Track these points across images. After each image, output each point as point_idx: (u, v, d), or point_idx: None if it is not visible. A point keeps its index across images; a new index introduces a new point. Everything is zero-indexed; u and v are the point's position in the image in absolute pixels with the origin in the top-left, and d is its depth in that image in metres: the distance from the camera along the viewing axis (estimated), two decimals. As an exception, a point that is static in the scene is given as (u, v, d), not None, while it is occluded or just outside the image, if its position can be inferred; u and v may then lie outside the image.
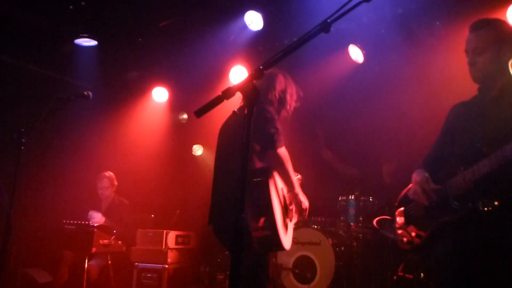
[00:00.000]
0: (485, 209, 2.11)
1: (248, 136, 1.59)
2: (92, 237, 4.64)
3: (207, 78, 6.01)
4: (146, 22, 5.55)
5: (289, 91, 3.26)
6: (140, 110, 6.81)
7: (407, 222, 2.60)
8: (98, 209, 5.45)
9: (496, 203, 2.10)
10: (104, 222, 5.09)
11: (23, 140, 3.12)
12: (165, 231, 5.31)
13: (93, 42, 5.79)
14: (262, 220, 2.72)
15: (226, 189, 2.94)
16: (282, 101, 3.18)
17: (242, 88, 1.60)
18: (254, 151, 2.93)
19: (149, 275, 5.17)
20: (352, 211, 5.06)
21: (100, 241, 4.73)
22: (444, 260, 2.29)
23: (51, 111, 3.31)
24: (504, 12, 4.36)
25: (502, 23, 2.43)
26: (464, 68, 2.46)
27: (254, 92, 1.59)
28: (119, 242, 5.01)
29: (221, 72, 6.01)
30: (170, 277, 5.21)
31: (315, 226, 4.97)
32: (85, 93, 3.49)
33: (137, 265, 5.23)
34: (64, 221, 4.78)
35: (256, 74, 1.60)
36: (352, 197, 5.09)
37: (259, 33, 5.44)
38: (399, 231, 2.64)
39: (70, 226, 4.73)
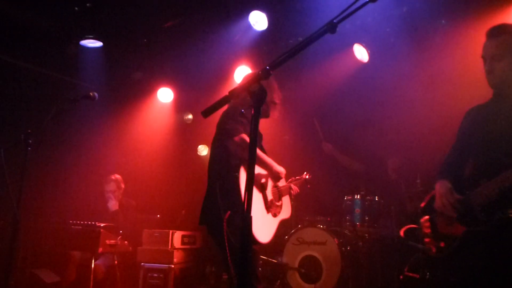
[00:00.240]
0: None
1: (255, 135, 1.59)
2: (98, 237, 4.66)
3: (212, 79, 6.02)
4: (151, 23, 5.57)
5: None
6: (145, 111, 6.83)
7: (434, 231, 2.60)
8: (104, 209, 5.48)
9: None
10: (113, 218, 5.12)
11: (30, 141, 3.14)
12: (171, 231, 5.32)
13: (98, 44, 5.82)
14: (228, 213, 2.89)
15: (208, 188, 3.10)
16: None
17: (248, 88, 1.60)
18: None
19: (155, 275, 5.18)
20: (357, 210, 5.05)
21: (107, 241, 4.75)
22: (479, 268, 2.30)
23: (58, 112, 3.33)
24: (510, 11, 4.34)
25: None
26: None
27: (261, 92, 1.59)
28: (126, 242, 5.03)
29: (226, 72, 6.02)
30: (176, 277, 5.22)
31: (321, 226, 4.97)
32: (91, 94, 3.50)
33: (143, 265, 5.24)
34: (70, 221, 4.80)
35: (263, 74, 1.61)
36: (358, 197, 5.08)
37: (263, 33, 5.45)
38: (427, 240, 2.63)
39: (76, 226, 4.75)
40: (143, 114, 6.81)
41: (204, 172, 3.31)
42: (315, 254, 4.74)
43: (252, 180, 1.57)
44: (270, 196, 3.18)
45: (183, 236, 5.49)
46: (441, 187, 2.45)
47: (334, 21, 1.66)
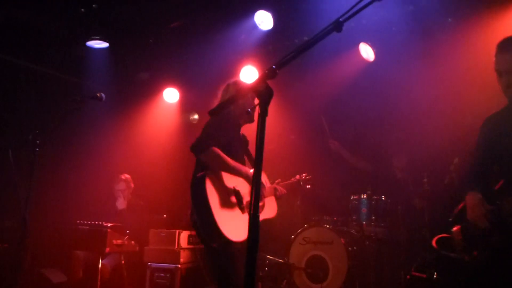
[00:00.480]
0: None
1: (262, 136, 1.59)
2: (105, 237, 4.68)
3: (217, 78, 5.99)
4: (157, 24, 5.59)
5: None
6: (151, 111, 6.85)
7: (466, 240, 2.64)
8: (112, 208, 5.50)
9: None
10: (120, 217, 5.15)
11: (38, 141, 3.16)
12: (177, 231, 5.32)
13: (104, 44, 5.84)
14: (194, 217, 3.03)
15: None
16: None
17: (255, 88, 1.60)
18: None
19: (162, 274, 5.19)
20: (364, 210, 5.03)
21: (114, 241, 4.77)
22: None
23: (65, 112, 3.35)
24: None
25: None
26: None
27: (267, 92, 1.59)
28: (132, 242, 5.05)
29: (231, 72, 6.02)
30: (183, 276, 5.22)
31: (327, 226, 4.96)
32: (98, 94, 3.53)
33: (150, 265, 5.26)
34: (78, 221, 4.83)
35: (270, 74, 1.60)
36: (364, 196, 5.07)
37: (269, 33, 5.45)
38: (459, 248, 2.68)
39: (84, 227, 4.78)
40: (149, 115, 6.83)
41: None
42: (322, 254, 4.73)
43: (259, 180, 1.57)
44: (247, 198, 3.24)
45: (189, 236, 5.50)
46: (472, 199, 2.54)
47: (340, 19, 1.66)
